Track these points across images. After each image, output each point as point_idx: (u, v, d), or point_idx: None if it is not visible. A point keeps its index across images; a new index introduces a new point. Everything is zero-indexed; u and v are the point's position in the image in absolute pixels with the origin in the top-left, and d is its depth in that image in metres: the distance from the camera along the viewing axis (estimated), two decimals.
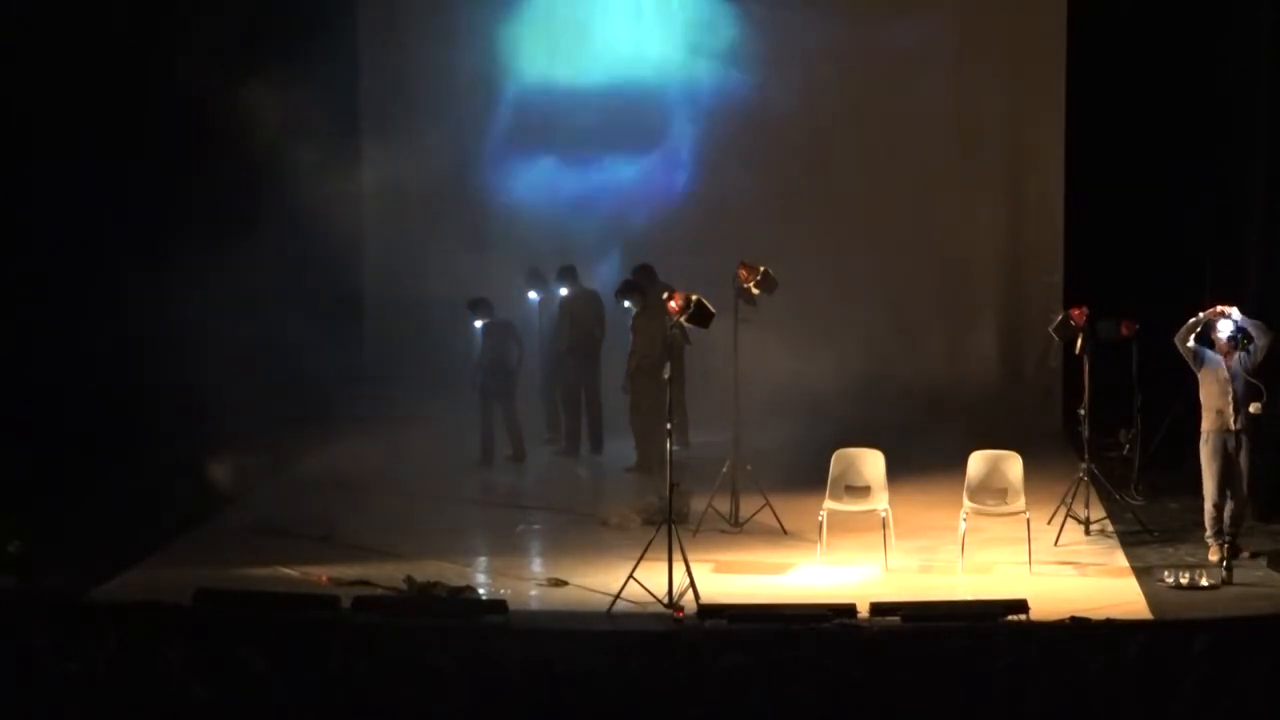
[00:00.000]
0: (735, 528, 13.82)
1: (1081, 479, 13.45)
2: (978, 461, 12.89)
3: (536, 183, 18.35)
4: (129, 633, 10.63)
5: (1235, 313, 12.33)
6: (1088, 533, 13.37)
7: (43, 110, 14.04)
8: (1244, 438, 12.36)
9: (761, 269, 14.07)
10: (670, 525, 11.73)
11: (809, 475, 13.76)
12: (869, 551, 12.74)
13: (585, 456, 16.88)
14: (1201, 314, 12.42)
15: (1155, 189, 16.70)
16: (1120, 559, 12.75)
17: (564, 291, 16.82)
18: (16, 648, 10.60)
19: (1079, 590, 11.91)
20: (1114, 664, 10.24)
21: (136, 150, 14.70)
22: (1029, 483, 12.82)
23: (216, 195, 15.41)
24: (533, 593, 12.17)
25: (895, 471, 13.21)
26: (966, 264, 18.19)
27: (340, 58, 18.06)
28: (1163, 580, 11.89)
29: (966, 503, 12.74)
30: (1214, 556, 12.38)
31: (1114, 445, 14.94)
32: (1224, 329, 12.34)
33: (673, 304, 12.25)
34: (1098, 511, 13.61)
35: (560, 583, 12.28)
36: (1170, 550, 12.89)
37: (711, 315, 12.46)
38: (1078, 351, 13.53)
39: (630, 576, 11.63)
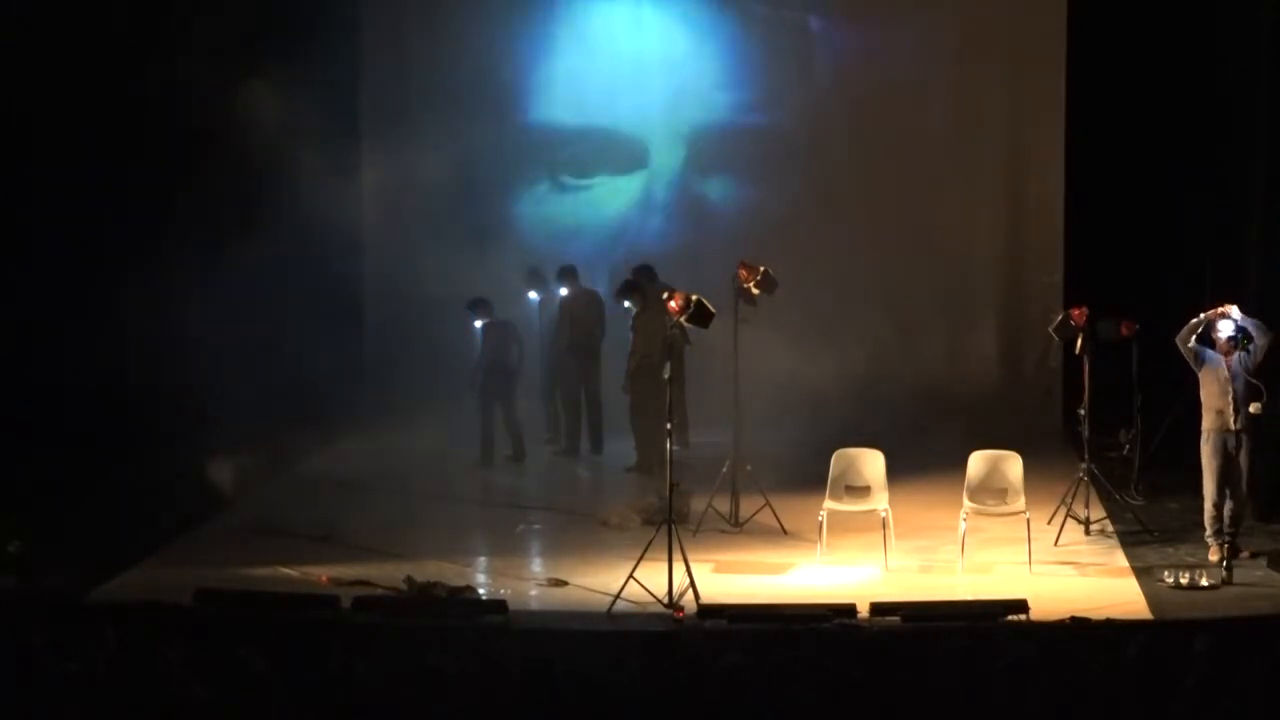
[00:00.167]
0: (735, 528, 13.81)
1: (1081, 479, 13.45)
2: (978, 461, 12.89)
3: (537, 183, 18.35)
4: (129, 633, 10.63)
5: (1235, 311, 12.33)
6: (1088, 533, 13.37)
7: (43, 110, 14.04)
8: (1244, 437, 12.36)
9: (761, 269, 14.07)
10: (670, 525, 11.73)
11: (809, 475, 13.76)
12: (869, 551, 12.73)
13: (585, 456, 16.89)
14: (1203, 314, 12.43)
15: (1155, 189, 16.70)
16: (1120, 559, 12.75)
17: (564, 291, 16.82)
18: (16, 648, 10.60)
19: (1079, 590, 11.90)
20: (1114, 664, 10.24)
21: (136, 150, 14.69)
22: (1029, 483, 12.82)
23: (216, 195, 15.40)
24: (533, 593, 12.16)
25: (895, 471, 13.20)
26: (966, 264, 18.19)
27: (340, 58, 18.06)
28: (1163, 580, 11.89)
29: (966, 503, 12.74)
30: (1214, 556, 12.37)
31: (1114, 445, 14.94)
32: (1224, 329, 12.34)
33: (673, 304, 12.25)
34: (1098, 511, 13.60)
35: (560, 583, 12.28)
36: (1170, 550, 12.89)
37: (711, 315, 12.45)
38: (1078, 351, 13.53)
39: (630, 576, 11.62)
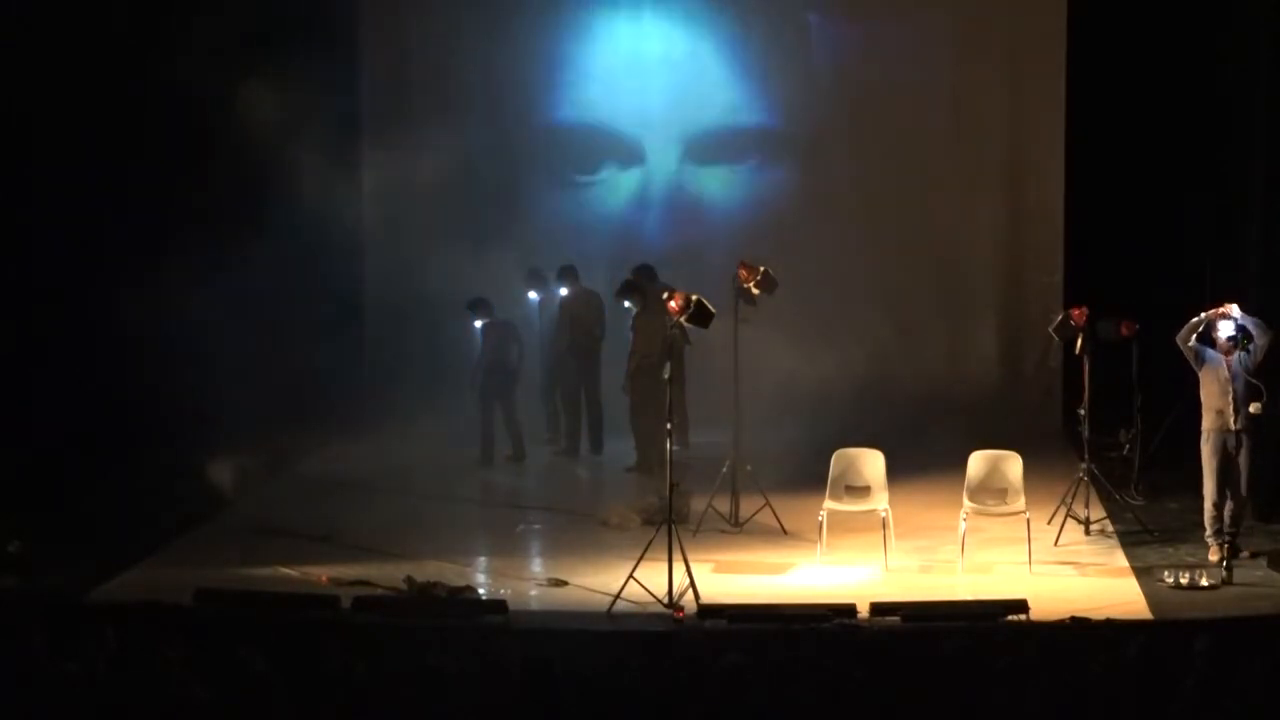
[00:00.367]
0: (735, 528, 13.81)
1: (1081, 479, 13.45)
2: (978, 461, 12.89)
3: (537, 183, 18.35)
4: (129, 633, 10.63)
5: (1236, 311, 12.33)
6: (1088, 533, 13.37)
7: (43, 110, 14.04)
8: (1244, 437, 12.36)
9: (761, 269, 14.07)
10: (670, 525, 11.73)
11: (809, 475, 13.76)
12: (869, 551, 12.73)
13: (585, 456, 16.89)
14: (1203, 313, 12.42)
15: (1155, 189, 16.70)
16: (1120, 559, 12.75)
17: (564, 291, 16.82)
18: (16, 648, 10.60)
19: (1079, 590, 11.91)
20: (1114, 664, 10.24)
21: (136, 150, 14.70)
22: (1029, 483, 12.82)
23: (216, 195, 15.40)
24: (533, 593, 12.16)
25: (895, 471, 13.20)
26: (966, 264, 18.18)
27: (340, 58, 18.06)
28: (1163, 580, 11.89)
29: (966, 503, 12.74)
30: (1214, 556, 12.38)
31: (1114, 445, 14.93)
32: (1224, 329, 12.34)
33: (673, 304, 12.25)
34: (1098, 511, 13.60)
35: (560, 583, 12.28)
36: (1170, 550, 12.89)
37: (711, 315, 12.46)
38: (1078, 351, 13.53)
39: (630, 576, 11.63)
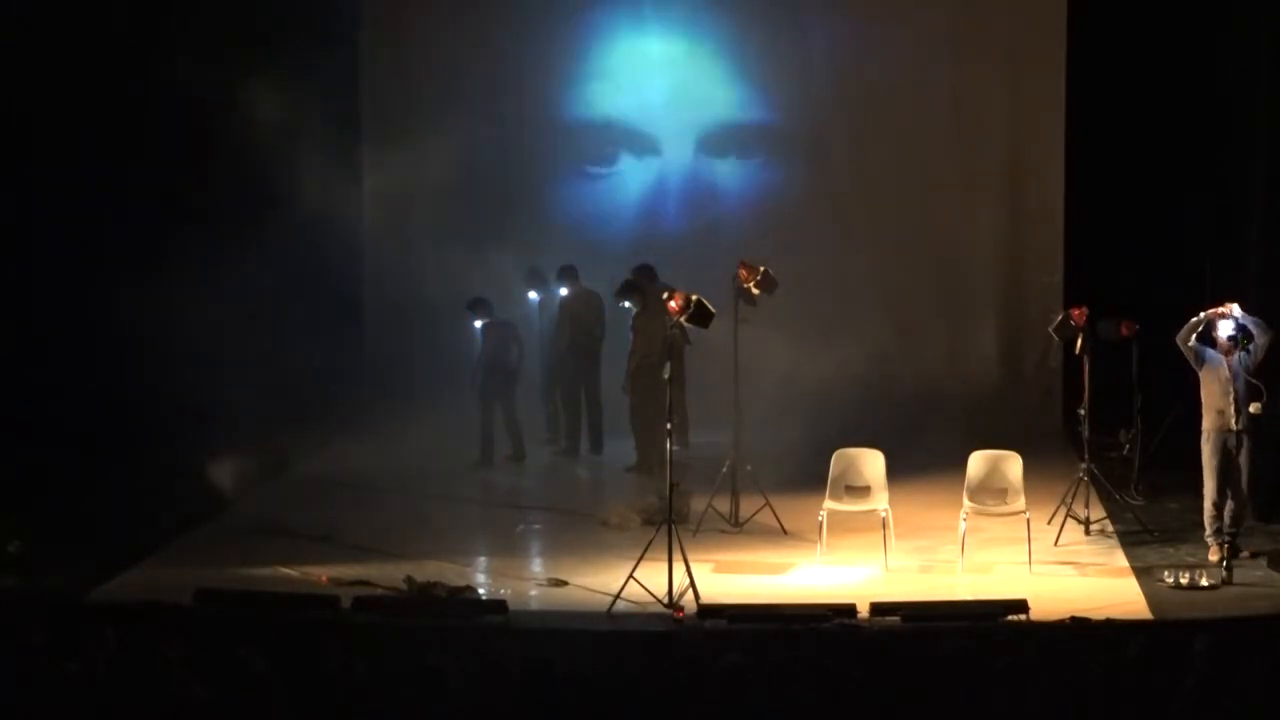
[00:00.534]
0: (735, 528, 13.81)
1: (1081, 479, 13.45)
2: (978, 461, 12.89)
3: (537, 183, 18.35)
4: (129, 633, 10.63)
5: (1237, 310, 12.32)
6: (1088, 533, 13.37)
7: (43, 110, 14.04)
8: (1245, 437, 12.36)
9: (761, 269, 14.07)
10: (670, 525, 11.73)
11: (809, 475, 13.76)
12: (869, 551, 12.74)
13: (585, 456, 16.89)
14: (1203, 313, 12.41)
15: (1155, 189, 16.70)
16: (1120, 559, 12.75)
17: (564, 291, 16.82)
18: (16, 648, 10.60)
19: (1079, 590, 11.91)
20: (1114, 664, 10.23)
21: (136, 151, 14.69)
22: (1029, 483, 12.82)
23: (216, 195, 15.40)
24: (533, 593, 12.16)
25: (895, 471, 13.21)
26: (966, 264, 18.18)
27: (340, 58, 18.06)
28: (1163, 580, 11.89)
29: (966, 503, 12.74)
30: (1214, 556, 12.38)
31: (1114, 445, 14.94)
32: (1224, 328, 12.33)
33: (673, 304, 12.25)
34: (1098, 511, 13.60)
35: (560, 583, 12.28)
36: (1170, 550, 12.89)
37: (711, 315, 12.46)
38: (1078, 351, 13.53)
39: (630, 576, 11.63)
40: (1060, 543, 13.11)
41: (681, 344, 14.38)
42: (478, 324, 16.49)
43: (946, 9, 17.94)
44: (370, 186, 18.29)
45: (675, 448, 12.44)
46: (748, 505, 13.83)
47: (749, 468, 13.94)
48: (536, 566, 13.15)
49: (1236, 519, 12.47)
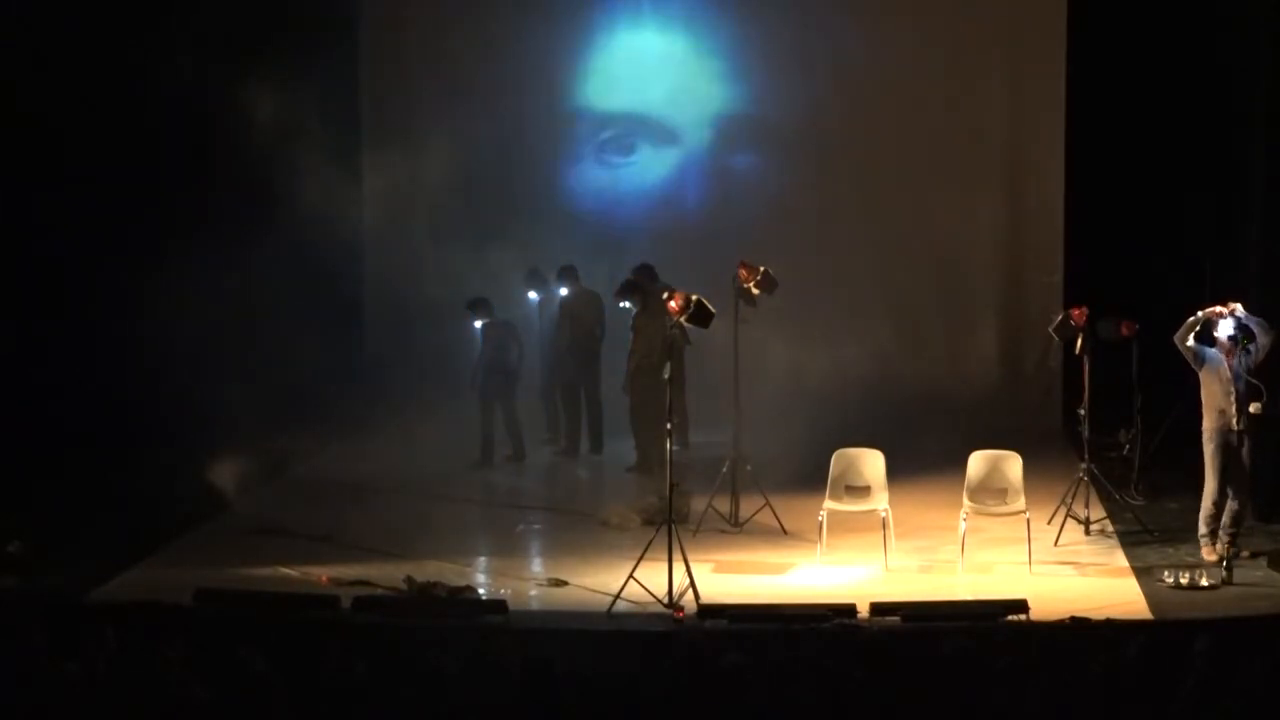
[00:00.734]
0: (735, 528, 13.82)
1: (1081, 479, 13.45)
2: (978, 461, 12.89)
3: (537, 182, 18.35)
4: (129, 633, 10.62)
5: (1240, 309, 12.31)
6: (1088, 533, 13.37)
7: (42, 111, 14.02)
8: (1245, 437, 12.35)
9: (761, 269, 14.08)
10: (670, 525, 11.73)
11: (809, 475, 13.76)
12: (869, 551, 12.74)
13: (585, 456, 16.89)
14: (1201, 312, 12.41)
15: (1155, 189, 16.69)
16: (1120, 559, 12.75)
17: (564, 291, 16.82)
18: (16, 648, 10.60)
19: (1079, 590, 11.91)
20: (1114, 664, 10.23)
21: (136, 151, 14.68)
22: (1029, 483, 12.82)
23: (216, 195, 15.39)
24: (533, 593, 12.17)
25: (895, 471, 13.21)
26: (966, 264, 18.19)
27: (340, 58, 18.06)
28: (1163, 580, 11.90)
29: (966, 503, 12.74)
30: (1208, 556, 12.38)
31: (1114, 445, 14.95)
32: (1225, 328, 12.33)
33: (673, 304, 12.26)
34: (1098, 511, 13.60)
35: (560, 583, 12.28)
36: (1170, 550, 12.89)
37: (711, 315, 12.46)
38: (1078, 351, 13.53)
39: (630, 576, 11.63)
40: (1060, 543, 13.11)
41: (681, 344, 14.38)
42: (478, 324, 16.49)
43: (947, 9, 17.95)
44: (370, 186, 18.29)
45: (675, 448, 12.44)
46: (748, 505, 13.83)
47: (749, 468, 13.95)
48: (536, 566, 13.15)
49: (1238, 519, 12.47)
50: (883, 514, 12.70)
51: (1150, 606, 11.45)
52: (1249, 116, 14.73)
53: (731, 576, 12.45)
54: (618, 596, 11.56)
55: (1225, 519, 12.43)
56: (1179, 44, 16.43)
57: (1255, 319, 12.31)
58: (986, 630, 10.71)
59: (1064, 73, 17.78)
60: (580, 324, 16.71)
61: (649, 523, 13.19)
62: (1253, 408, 12.26)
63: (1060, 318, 13.78)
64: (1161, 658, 10.21)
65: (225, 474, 14.53)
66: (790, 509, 13.70)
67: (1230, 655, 10.15)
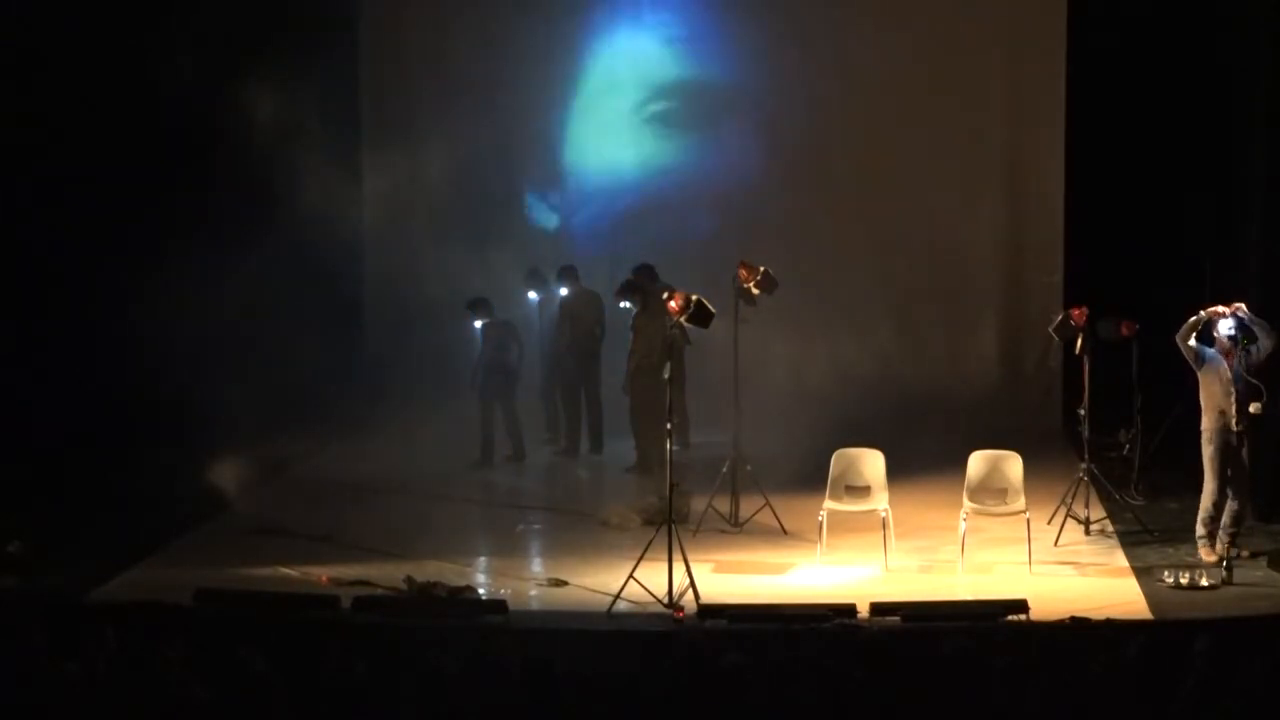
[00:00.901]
0: (735, 528, 13.81)
1: (1081, 479, 13.45)
2: (978, 461, 12.89)
3: (537, 182, 18.35)
4: (129, 633, 10.63)
5: (1244, 310, 12.30)
6: (1088, 533, 13.37)
7: (42, 111, 14.02)
8: (1244, 437, 12.35)
9: (761, 269, 14.07)
10: (670, 525, 11.73)
11: (809, 475, 13.77)
12: (869, 551, 12.73)
13: (585, 456, 16.89)
14: (1203, 311, 12.40)
15: (1155, 189, 16.69)
16: (1120, 559, 12.75)
17: (564, 291, 16.82)
18: (16, 648, 10.60)
19: (1079, 590, 11.90)
20: (1114, 664, 10.24)
21: (136, 151, 14.68)
22: (1029, 483, 12.82)
23: (216, 195, 15.38)
24: (533, 593, 12.16)
25: (895, 471, 13.20)
26: (967, 265, 18.18)
27: (340, 58, 18.05)
28: (1163, 580, 11.89)
29: (966, 503, 12.74)
30: (1206, 557, 12.37)
31: (1114, 445, 14.94)
32: (1224, 327, 12.32)
33: (673, 304, 12.25)
34: (1098, 511, 13.59)
35: (560, 583, 12.28)
36: (1170, 550, 12.89)
37: (711, 315, 12.46)
38: (1078, 351, 13.52)
39: (630, 576, 11.63)
40: (1060, 543, 13.10)
41: (681, 344, 14.39)
42: (478, 324, 16.49)
43: (947, 9, 17.94)
44: (370, 186, 18.29)
45: (675, 448, 12.44)
46: (748, 505, 13.83)
47: (749, 468, 13.94)
48: (536, 566, 13.15)
49: (1238, 518, 12.46)
50: (883, 514, 12.70)
51: (1150, 606, 11.44)
52: (1249, 116, 14.73)
53: (731, 576, 12.44)
54: (618, 596, 11.56)
55: (1225, 519, 12.43)
56: (1179, 44, 16.43)
57: (1259, 321, 12.29)
58: (986, 630, 10.71)
59: (1064, 73, 17.77)
60: (580, 324, 16.71)
61: (649, 523, 13.19)
62: (1253, 408, 12.25)
63: (1060, 318, 13.78)
64: (1161, 658, 10.23)
65: (225, 474, 14.53)
66: (790, 509, 13.70)
67: (1230, 655, 10.16)
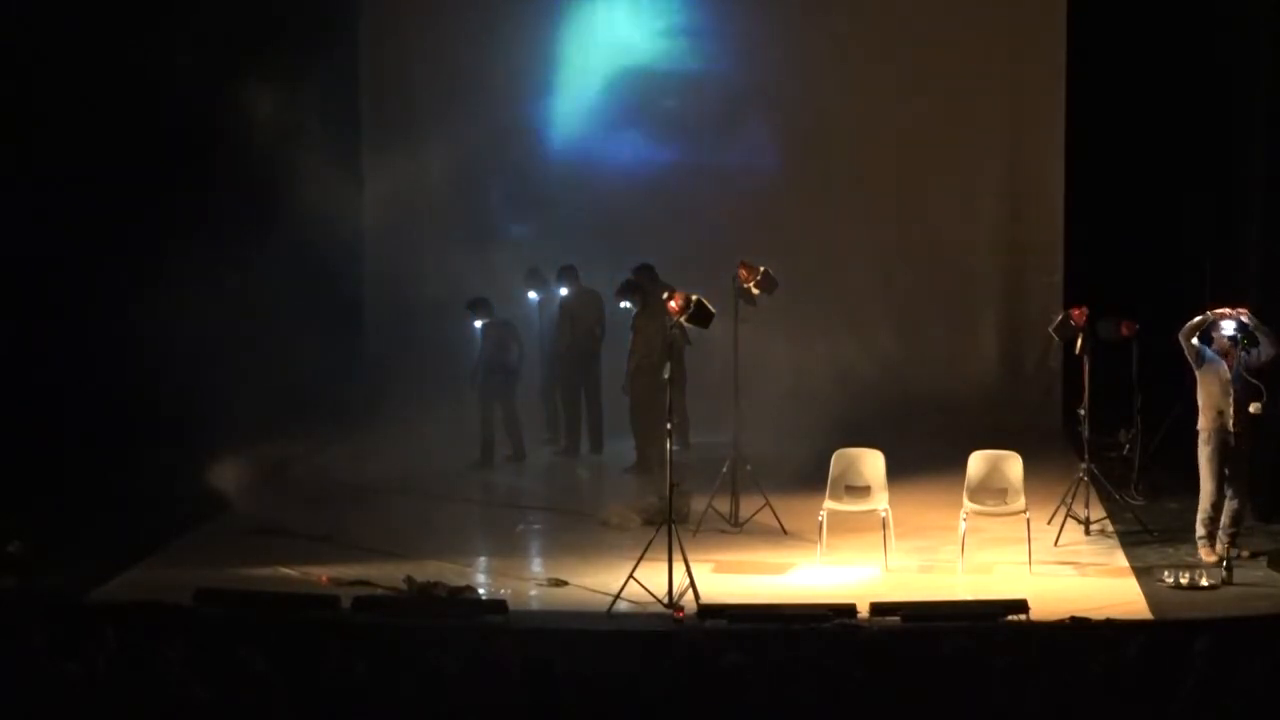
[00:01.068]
0: (735, 528, 13.81)
1: (1081, 479, 13.45)
2: (978, 461, 12.89)
3: (538, 182, 18.35)
4: (129, 633, 10.63)
5: (1246, 315, 12.29)
6: (1088, 533, 13.37)
7: (42, 110, 14.02)
8: (1243, 437, 12.35)
9: (761, 269, 14.07)
10: (670, 525, 11.73)
11: (809, 475, 13.76)
12: (869, 551, 12.73)
13: (585, 456, 16.89)
14: (1210, 312, 12.39)
15: (1155, 189, 16.69)
16: (1120, 559, 12.75)
17: (564, 291, 16.82)
18: (16, 648, 10.60)
19: (1079, 590, 11.90)
20: (1114, 664, 10.24)
21: (136, 151, 14.68)
22: (1029, 483, 12.82)
23: (217, 195, 15.38)
24: (533, 593, 12.16)
25: (895, 471, 13.20)
26: (967, 265, 18.18)
27: (340, 58, 18.05)
28: (1163, 580, 11.89)
29: (966, 503, 12.73)
30: (1206, 558, 12.37)
31: (1114, 445, 14.94)
32: (1225, 328, 12.32)
33: (673, 304, 12.25)
34: (1098, 511, 13.59)
35: (560, 583, 12.27)
36: (1170, 550, 12.88)
37: (711, 315, 12.46)
38: (1078, 351, 13.52)
39: (630, 576, 11.63)
40: (1060, 543, 13.10)
41: (681, 344, 14.38)
42: (478, 324, 16.49)
43: (947, 9, 17.94)
44: (370, 186, 18.29)
45: (675, 448, 12.44)
46: (748, 505, 13.83)
47: (749, 468, 13.94)
48: (536, 566, 13.15)
49: (1237, 519, 12.46)
50: (883, 514, 12.70)
51: (1150, 606, 11.44)
52: (1249, 116, 14.73)
53: (731, 576, 12.44)
54: (618, 596, 11.56)
55: (1225, 519, 12.43)
56: (1179, 44, 16.42)
57: (1263, 328, 12.26)
58: (986, 630, 10.71)
59: (1064, 73, 17.77)
60: (580, 324, 16.71)
61: (649, 523, 13.19)
62: (1252, 408, 12.25)
63: (1060, 318, 13.78)
64: (1161, 658, 10.23)
65: (225, 474, 14.52)
66: (790, 509, 13.70)
67: (1230, 655, 10.16)
